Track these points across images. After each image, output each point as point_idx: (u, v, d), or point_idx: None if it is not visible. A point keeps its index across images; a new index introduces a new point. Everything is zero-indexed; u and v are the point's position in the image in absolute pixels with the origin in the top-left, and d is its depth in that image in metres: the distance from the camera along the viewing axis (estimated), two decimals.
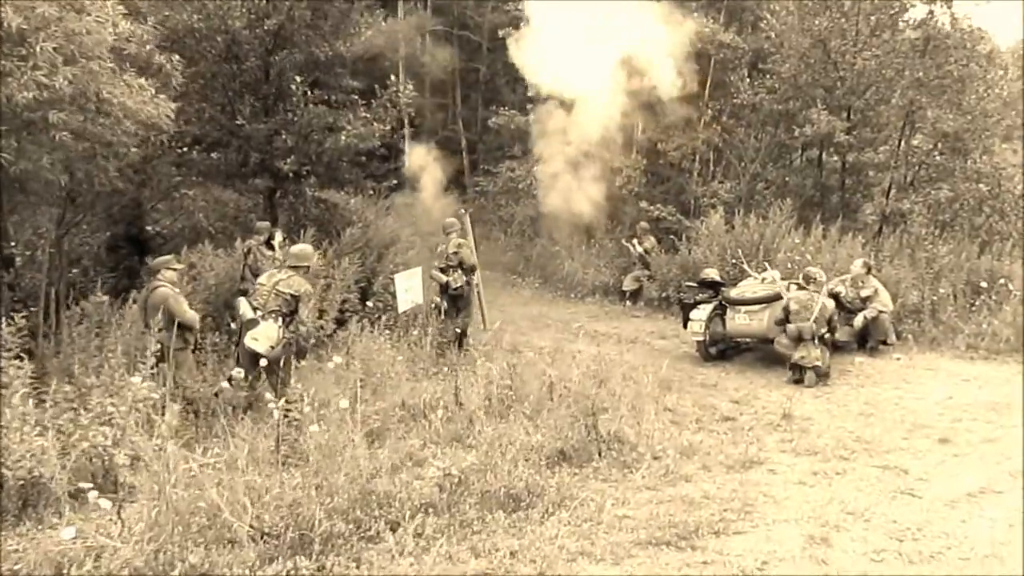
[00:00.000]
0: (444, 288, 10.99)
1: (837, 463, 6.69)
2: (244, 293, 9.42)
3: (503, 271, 19.96)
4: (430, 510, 5.42)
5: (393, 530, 5.13)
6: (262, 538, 4.94)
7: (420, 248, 15.09)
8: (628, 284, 15.91)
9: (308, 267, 8.56)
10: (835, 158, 16.32)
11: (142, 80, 8.91)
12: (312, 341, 10.71)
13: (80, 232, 12.46)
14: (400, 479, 5.91)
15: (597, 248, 17.99)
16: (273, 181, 13.82)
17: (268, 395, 6.63)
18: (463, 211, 11.69)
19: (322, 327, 11.13)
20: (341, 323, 11.19)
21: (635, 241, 15.93)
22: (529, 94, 17.83)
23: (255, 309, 8.21)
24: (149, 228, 13.54)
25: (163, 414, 6.58)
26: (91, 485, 5.30)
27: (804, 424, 7.86)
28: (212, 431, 7.27)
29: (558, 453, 6.57)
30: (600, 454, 6.68)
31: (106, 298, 9.76)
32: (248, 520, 4.96)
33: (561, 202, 15.32)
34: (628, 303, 15.69)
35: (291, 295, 8.16)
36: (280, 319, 8.16)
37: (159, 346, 8.09)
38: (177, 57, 9.91)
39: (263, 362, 7.63)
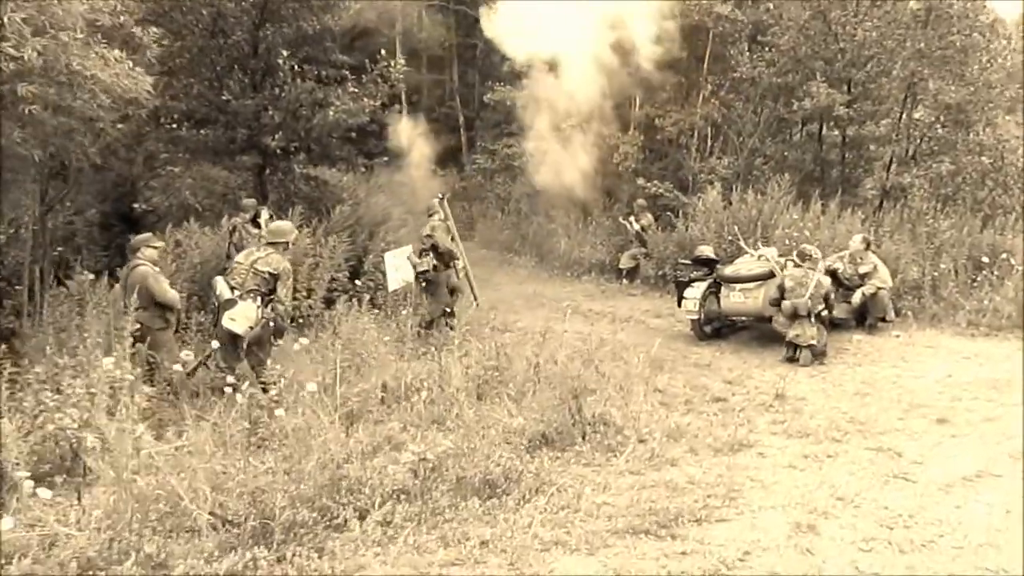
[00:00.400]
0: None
1: (829, 445, 6.45)
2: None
3: (500, 249, 19.73)
4: (402, 497, 5.20)
5: (362, 518, 4.91)
6: (224, 526, 4.73)
7: (413, 226, 14.81)
8: (625, 262, 15.64)
9: (287, 244, 8.30)
10: (835, 132, 15.98)
11: (117, 52, 8.65)
12: (290, 320, 10.56)
13: (65, 209, 12.25)
14: (374, 464, 5.68)
15: (594, 226, 17.70)
16: (261, 158, 13.58)
17: (230, 378, 6.37)
18: (441, 195, 11.31)
19: (310, 306, 10.96)
20: (330, 302, 10.97)
21: (632, 218, 15.64)
22: (506, 68, 17.42)
23: (232, 288, 7.97)
24: (136, 206, 13.27)
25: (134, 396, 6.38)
26: (28, 473, 5.08)
27: (797, 405, 7.62)
28: (188, 414, 7.04)
29: (540, 436, 6.34)
30: (584, 437, 6.45)
31: (90, 276, 9.57)
32: (208, 507, 4.75)
33: (552, 175, 15.01)
34: (625, 281, 15.44)
35: (269, 273, 7.93)
36: (258, 298, 7.94)
37: (138, 326, 7.95)
38: (155, 30, 9.61)
39: (214, 344, 7.41)
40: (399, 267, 10.94)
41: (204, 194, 14.27)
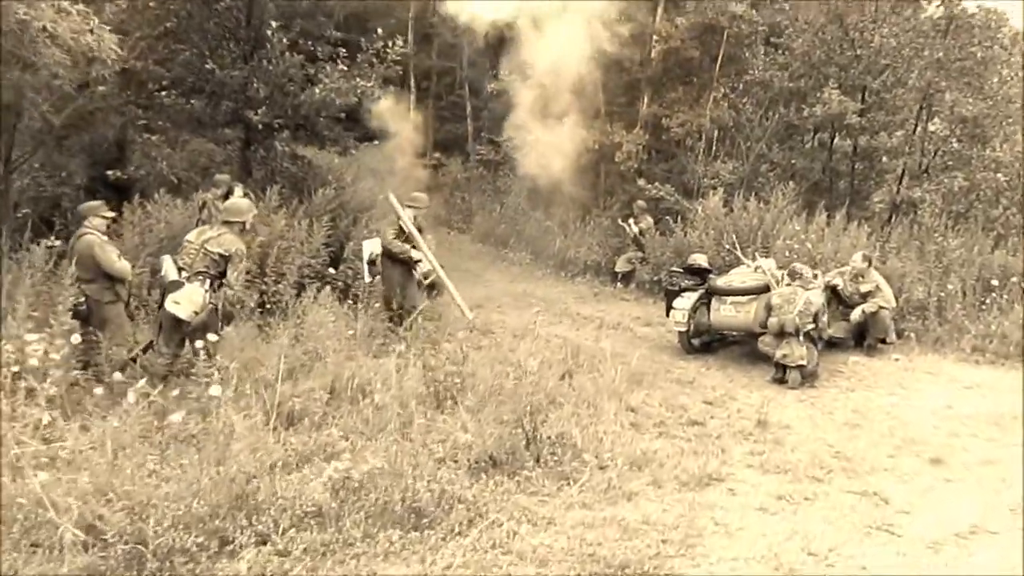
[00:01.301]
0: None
1: (808, 485, 5.77)
2: None
3: (495, 244, 19.16)
4: (314, 521, 4.57)
5: (262, 544, 4.30)
6: (97, 545, 4.11)
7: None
8: (621, 265, 15.02)
9: (243, 224, 7.70)
10: (847, 142, 15.28)
11: (79, 5, 8.08)
12: (259, 307, 9.94)
13: (34, 171, 11.69)
14: (293, 478, 5.08)
15: (592, 225, 17.06)
16: (245, 132, 12.99)
17: (117, 374, 5.72)
18: (389, 192, 10.46)
19: (278, 292, 10.35)
20: (304, 289, 10.36)
21: (631, 220, 14.99)
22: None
23: (180, 269, 7.38)
24: (109, 173, 12.64)
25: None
26: None
27: (780, 433, 6.94)
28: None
29: (488, 457, 5.70)
30: (539, 460, 5.80)
31: (57, 243, 8.99)
32: (79, 521, 4.12)
33: (541, 168, 14.31)
34: (619, 285, 14.83)
35: (220, 255, 7.34)
36: (207, 281, 7.35)
37: (83, 299, 7.37)
38: None
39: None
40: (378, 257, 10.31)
41: (185, 166, 13.72)
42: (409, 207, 9.91)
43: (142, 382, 5.46)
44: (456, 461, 5.71)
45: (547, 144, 14.10)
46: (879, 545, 4.91)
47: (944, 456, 6.51)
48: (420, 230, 9.93)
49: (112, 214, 8.26)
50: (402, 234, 9.69)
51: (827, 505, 5.46)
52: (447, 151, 26.25)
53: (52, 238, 8.99)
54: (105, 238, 7.78)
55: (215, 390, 5.38)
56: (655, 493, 5.50)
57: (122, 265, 7.66)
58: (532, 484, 5.47)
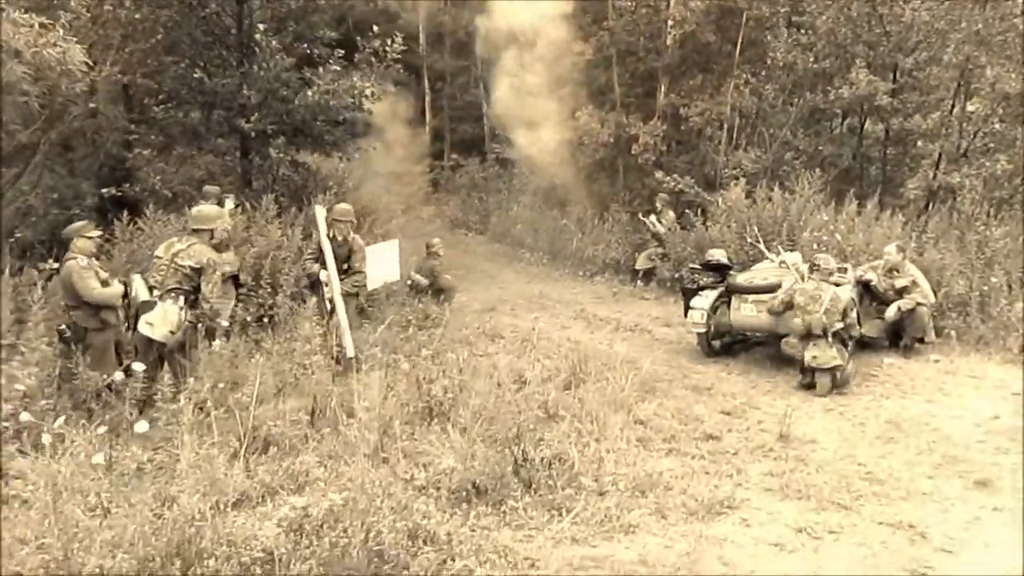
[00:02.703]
0: None
1: (834, 514, 5.04)
2: None
3: (512, 244, 18.65)
4: (261, 570, 3.99)
5: None
6: None
7: (410, 217, 13.67)
8: (641, 263, 14.36)
9: (211, 232, 7.20)
10: (878, 126, 14.46)
11: (41, 18, 7.64)
12: (257, 320, 9.42)
13: (24, 193, 11.32)
14: (252, 516, 4.51)
15: (610, 222, 16.40)
16: (241, 141, 12.51)
17: (24, 415, 5.19)
18: (316, 206, 9.76)
19: (273, 304, 9.85)
20: (303, 300, 9.84)
21: (653, 217, 14.28)
22: None
23: (151, 288, 6.90)
24: (104, 191, 12.24)
25: None
26: None
27: (804, 449, 6.22)
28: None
29: (471, 485, 5.08)
30: (529, 486, 5.17)
31: (56, 265, 8.56)
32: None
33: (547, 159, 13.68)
34: (640, 283, 14.17)
35: (192, 267, 6.85)
36: (181, 298, 6.85)
37: (72, 324, 6.94)
38: None
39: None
40: (383, 262, 9.74)
41: (182, 179, 13.31)
42: (337, 221, 9.21)
43: (61, 420, 4.91)
44: (438, 489, 5.13)
45: (554, 139, 13.49)
46: None
47: (991, 477, 5.72)
48: (350, 251, 9.27)
49: (99, 233, 7.75)
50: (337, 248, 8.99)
51: (854, 540, 4.72)
52: (464, 151, 25.89)
53: (50, 260, 8.58)
54: (86, 263, 7.23)
55: (141, 426, 4.82)
56: (658, 525, 4.83)
57: (101, 293, 7.08)
58: (519, 516, 4.84)
